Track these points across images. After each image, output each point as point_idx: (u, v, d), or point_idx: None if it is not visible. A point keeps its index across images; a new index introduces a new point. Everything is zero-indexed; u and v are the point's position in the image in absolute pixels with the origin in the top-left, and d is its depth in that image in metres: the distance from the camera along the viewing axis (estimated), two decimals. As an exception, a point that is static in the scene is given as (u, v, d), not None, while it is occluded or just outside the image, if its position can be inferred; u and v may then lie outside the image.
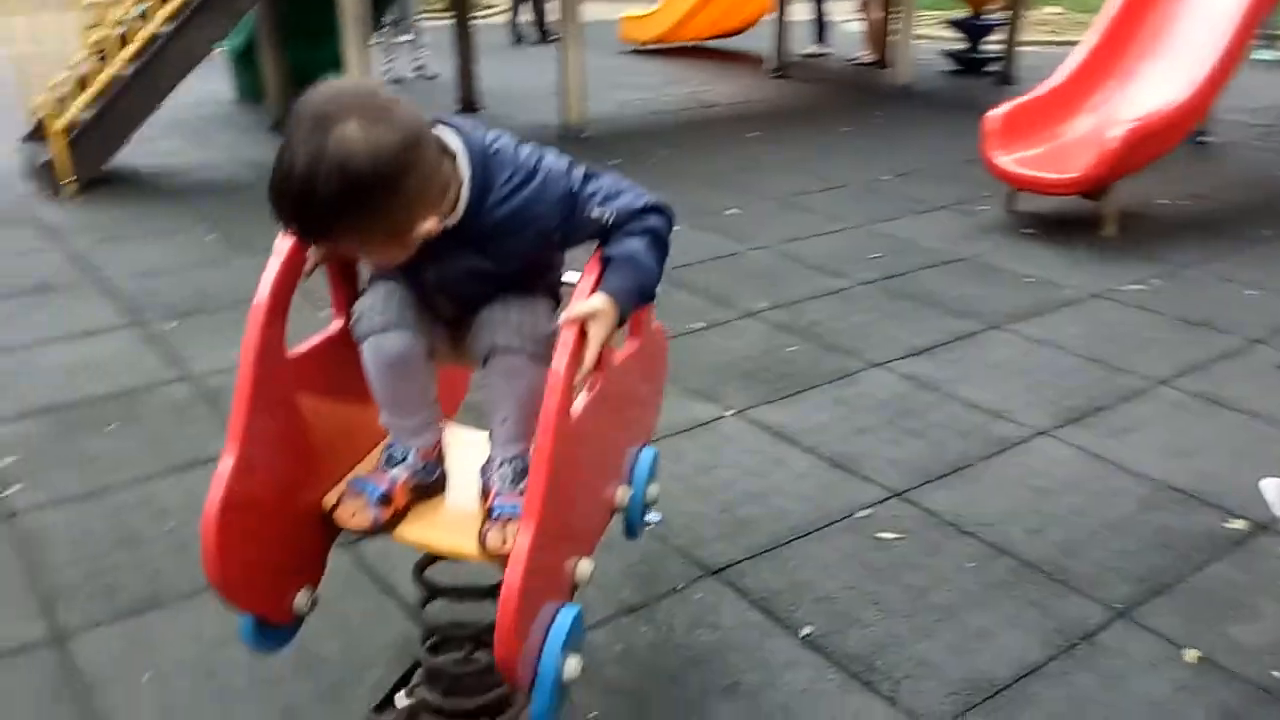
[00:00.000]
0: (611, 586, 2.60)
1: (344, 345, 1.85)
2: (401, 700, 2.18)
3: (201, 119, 8.31)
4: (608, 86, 9.14)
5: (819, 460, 3.20)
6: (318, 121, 1.43)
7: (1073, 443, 3.30)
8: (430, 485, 1.90)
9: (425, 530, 1.84)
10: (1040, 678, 2.30)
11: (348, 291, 1.90)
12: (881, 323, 4.24)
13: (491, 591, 1.70)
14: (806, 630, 2.46)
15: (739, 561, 2.71)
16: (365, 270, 1.89)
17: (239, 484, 1.64)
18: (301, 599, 1.84)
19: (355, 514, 1.78)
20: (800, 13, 11.21)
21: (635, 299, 1.70)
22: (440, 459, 1.92)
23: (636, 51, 11.92)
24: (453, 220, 1.64)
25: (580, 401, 1.73)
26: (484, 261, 1.72)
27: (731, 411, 3.50)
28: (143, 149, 6.61)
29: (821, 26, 11.43)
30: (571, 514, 1.74)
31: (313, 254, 1.76)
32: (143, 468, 3.13)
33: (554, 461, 1.57)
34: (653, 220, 1.75)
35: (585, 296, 1.66)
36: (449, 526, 1.85)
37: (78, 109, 5.92)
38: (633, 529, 2.17)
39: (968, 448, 3.28)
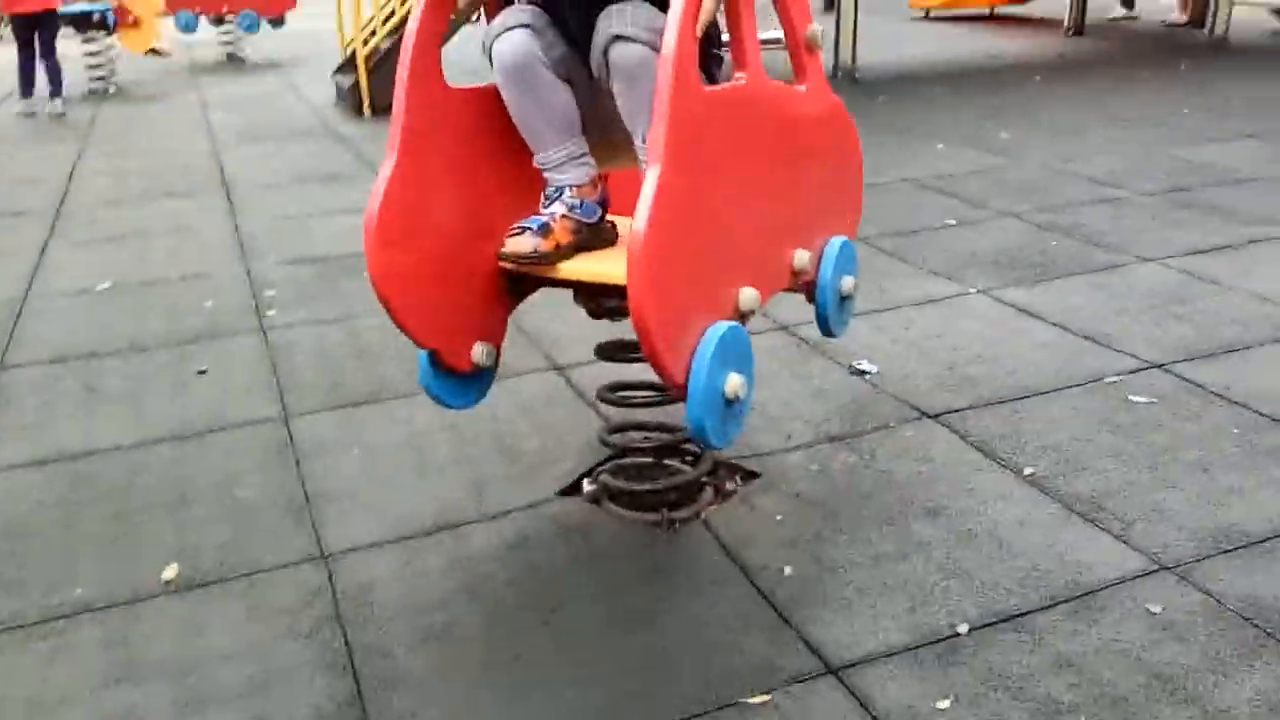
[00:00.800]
0: (815, 419, 2.47)
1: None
2: (587, 486, 2.18)
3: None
4: (887, 45, 8.86)
5: (1066, 333, 2.90)
6: None
7: (1384, 336, 2.82)
8: (595, 228, 1.88)
9: (585, 264, 1.83)
10: (1306, 538, 1.96)
11: None
12: (1160, 227, 3.81)
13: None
14: (1029, 470, 2.22)
15: (960, 409, 2.50)
16: None
17: (400, 189, 1.67)
18: (479, 351, 1.85)
19: (517, 245, 1.79)
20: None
21: None
22: (603, 202, 1.90)
23: (926, 17, 11.49)
24: None
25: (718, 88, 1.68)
26: None
27: (975, 290, 3.25)
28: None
29: (1128, -11, 10.54)
30: (715, 207, 1.64)
31: None
32: (385, 302, 3.32)
33: (676, 113, 1.49)
34: None
35: None
36: (608, 261, 1.82)
37: (378, 39, 6.42)
38: (825, 318, 2.06)
39: (1245, 333, 2.87)
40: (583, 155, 1.86)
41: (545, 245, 1.79)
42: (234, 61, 9.29)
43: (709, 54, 1.76)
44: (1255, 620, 1.73)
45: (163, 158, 5.61)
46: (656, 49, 1.58)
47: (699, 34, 1.54)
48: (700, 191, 1.58)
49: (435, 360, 1.84)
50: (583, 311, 1.99)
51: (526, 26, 1.75)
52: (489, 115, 1.85)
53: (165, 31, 8.67)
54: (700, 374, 1.55)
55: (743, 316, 1.71)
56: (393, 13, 6.50)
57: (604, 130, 1.87)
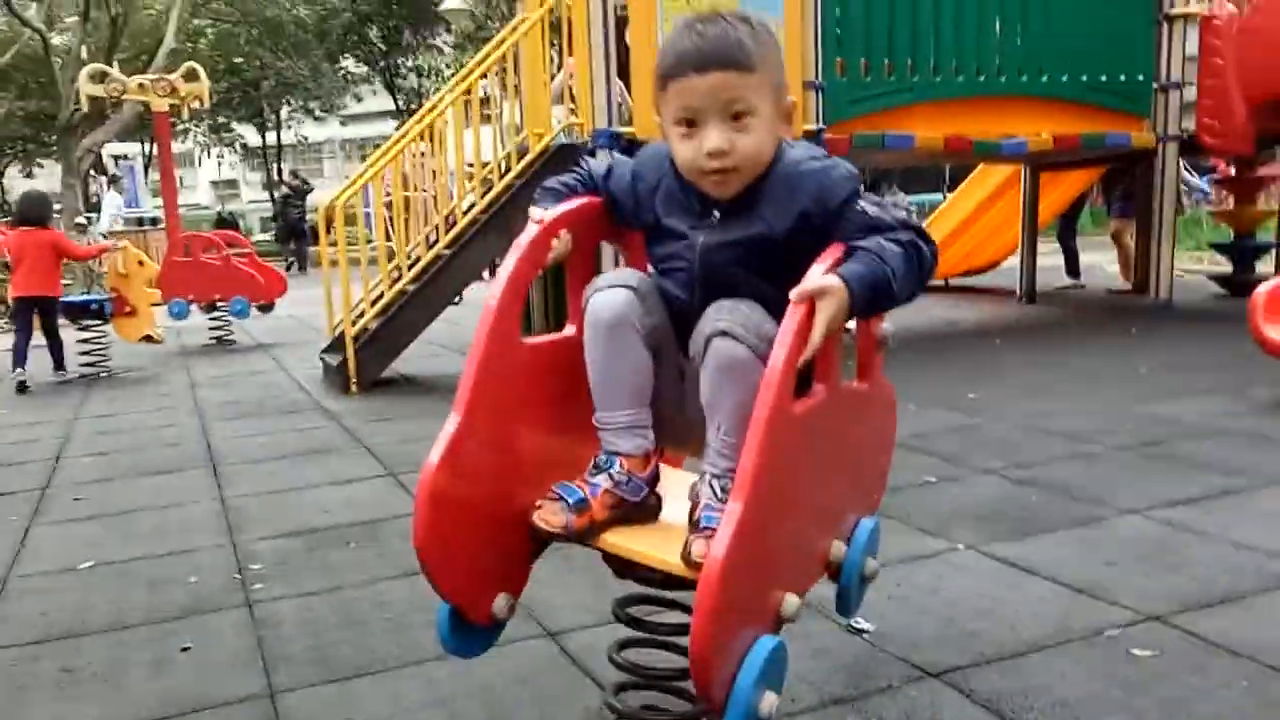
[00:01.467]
0: (818, 679, 2.42)
1: (578, 352, 1.87)
2: (587, 757, 2.10)
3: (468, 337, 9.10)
4: (852, 313, 9.29)
5: (1059, 586, 2.91)
6: (706, 15, 1.73)
7: (1375, 582, 2.84)
8: (637, 506, 1.85)
9: (626, 539, 1.81)
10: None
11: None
12: (1135, 479, 3.90)
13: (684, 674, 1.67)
14: (1040, 730, 2.17)
15: (963, 667, 2.46)
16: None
17: (460, 446, 1.69)
18: (500, 603, 1.83)
19: (549, 516, 1.77)
20: (1049, 251, 11.12)
21: (869, 291, 1.63)
22: (652, 481, 1.88)
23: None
24: (769, 154, 1.77)
25: (801, 403, 1.67)
26: (760, 225, 1.76)
27: (962, 545, 3.27)
28: (420, 359, 7.33)
29: (1072, 261, 11.25)
30: (780, 531, 1.65)
31: (556, 244, 1.85)
32: (373, 572, 3.28)
33: (768, 445, 1.51)
34: (915, 236, 1.72)
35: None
36: (652, 538, 1.80)
37: (366, 320, 6.68)
38: (846, 599, 2.02)
39: (1239, 582, 2.88)
40: (645, 427, 1.86)
41: (579, 522, 1.78)
42: (223, 344, 9.57)
43: None
44: None
45: (150, 435, 5.66)
46: (759, 355, 1.62)
47: (799, 367, 1.58)
48: (772, 518, 1.60)
49: (455, 613, 1.81)
50: (579, 576, 1.98)
51: (631, 289, 1.79)
52: (552, 368, 1.88)
53: (157, 318, 8.98)
54: (740, 701, 1.53)
55: (783, 623, 1.69)
56: (381, 295, 6.80)
57: (675, 409, 1.89)
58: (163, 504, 4.20)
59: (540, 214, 1.86)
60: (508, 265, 1.78)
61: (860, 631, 2.66)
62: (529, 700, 2.39)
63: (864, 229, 1.71)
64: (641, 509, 1.86)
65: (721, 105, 1.70)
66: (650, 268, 1.94)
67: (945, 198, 15.75)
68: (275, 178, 31.92)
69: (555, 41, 7.45)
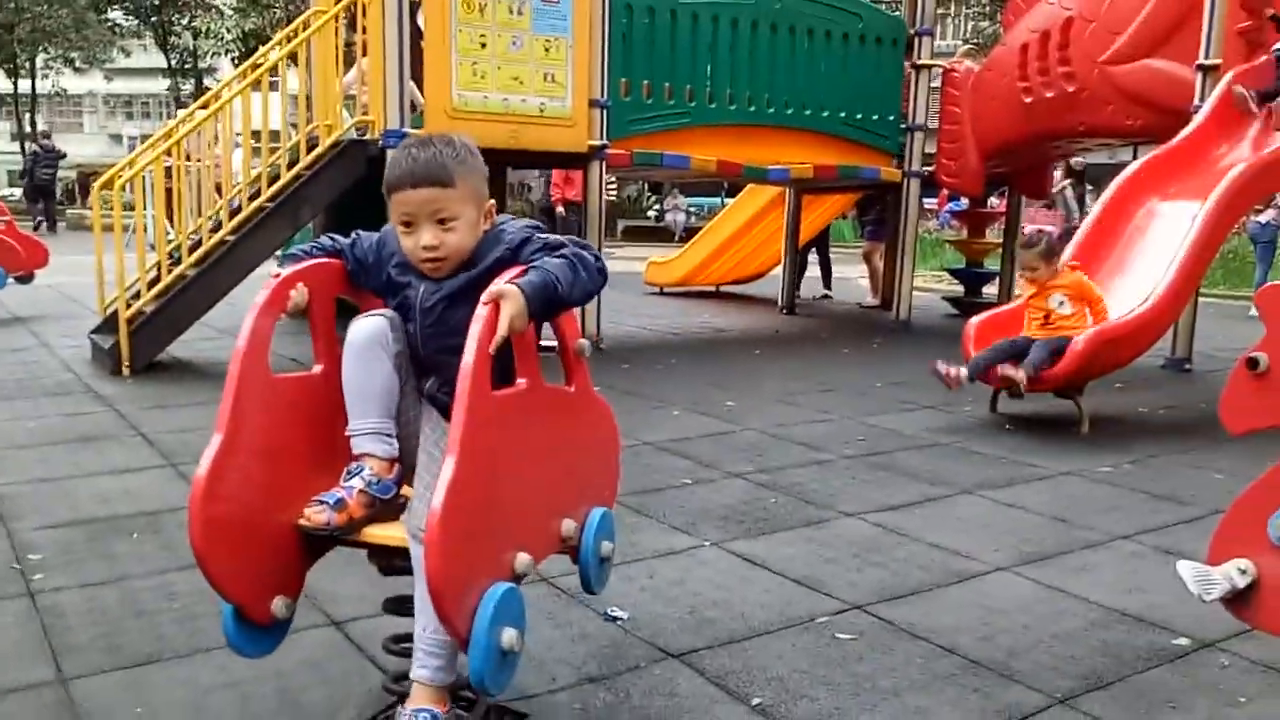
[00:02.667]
0: (575, 661, 2.79)
1: (324, 387, 2.24)
2: (372, 731, 2.38)
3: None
4: (629, 315, 9.83)
5: (785, 580, 3.41)
6: (421, 140, 2.17)
7: (1029, 577, 3.49)
8: (388, 504, 2.21)
9: (379, 529, 2.17)
10: (974, 747, 2.45)
11: (326, 341, 2.30)
12: (858, 486, 4.52)
13: None
14: (756, 701, 2.62)
15: (700, 649, 2.90)
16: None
17: (224, 461, 2.00)
18: (279, 605, 2.14)
19: (314, 515, 2.12)
20: (809, 263, 12.10)
21: (541, 292, 2.05)
22: (399, 481, 2.25)
23: (659, 293, 12.78)
24: (471, 245, 2.19)
25: (504, 391, 2.08)
26: (463, 277, 2.18)
27: (708, 543, 3.74)
28: (197, 342, 7.22)
29: (828, 275, 12.27)
30: (497, 494, 2.02)
31: (294, 294, 2.18)
32: (158, 564, 3.40)
33: (470, 419, 1.89)
34: (577, 249, 2.18)
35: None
36: (396, 527, 2.16)
37: (143, 302, 6.56)
38: (586, 575, 2.44)
39: (928, 577, 3.48)
40: (390, 435, 2.22)
41: (339, 519, 2.12)
42: (-27, 315, 9.01)
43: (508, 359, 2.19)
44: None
45: (-102, 417, 5.40)
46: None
47: (491, 352, 1.97)
48: (485, 477, 1.97)
49: (238, 614, 2.09)
50: (357, 571, 2.27)
51: (385, 319, 2.20)
52: (305, 401, 2.22)
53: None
54: (481, 631, 1.89)
55: (518, 577, 2.08)
56: (158, 278, 6.68)
57: (413, 427, 2.26)
58: (-76, 491, 4.11)
59: (278, 271, 2.23)
60: (248, 322, 2.09)
61: (615, 619, 3.06)
62: (317, 682, 2.63)
63: (539, 251, 2.18)
64: (391, 507, 2.22)
65: (430, 213, 2.14)
66: None
67: (724, 202, 16.66)
68: (28, 129, 29.45)
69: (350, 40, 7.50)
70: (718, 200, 24.22)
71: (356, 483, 2.16)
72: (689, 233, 19.29)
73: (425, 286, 2.21)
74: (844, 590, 3.33)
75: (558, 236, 2.23)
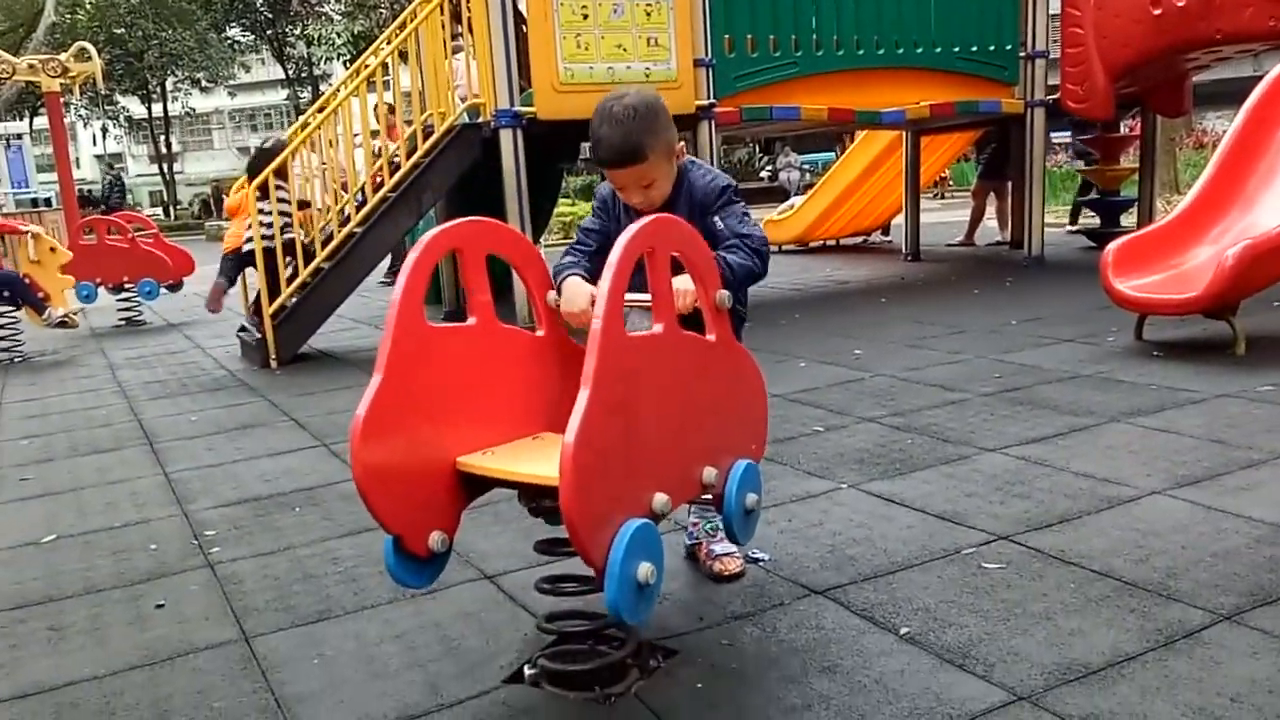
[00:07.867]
0: (720, 602, 2.84)
1: (482, 337, 2.35)
2: (528, 671, 2.48)
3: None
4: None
5: (926, 515, 3.39)
6: (611, 115, 2.53)
7: (1186, 499, 3.38)
8: None
9: (527, 469, 2.25)
10: (1135, 663, 2.39)
11: (479, 297, 2.41)
12: (997, 421, 4.43)
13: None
14: (904, 630, 2.62)
15: (843, 585, 2.91)
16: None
17: (383, 400, 2.09)
18: (436, 538, 2.23)
19: None
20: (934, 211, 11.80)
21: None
22: None
23: (779, 251, 12.67)
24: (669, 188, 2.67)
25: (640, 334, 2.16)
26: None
27: (845, 485, 3.74)
28: (334, 334, 7.55)
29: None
30: (636, 431, 2.07)
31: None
32: (320, 533, 3.60)
33: (605, 352, 1.96)
34: (757, 247, 2.61)
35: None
36: (545, 465, 2.19)
37: (284, 298, 6.88)
38: (730, 526, 2.47)
39: (1075, 505, 3.40)
40: None
41: None
42: (134, 325, 9.60)
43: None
44: (1090, 725, 2.12)
45: (80, 416, 5.83)
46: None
47: (623, 296, 2.05)
48: (620, 414, 2.02)
49: (399, 545, 2.20)
50: (506, 529, 2.35)
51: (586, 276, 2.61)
52: (461, 350, 2.33)
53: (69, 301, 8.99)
54: (616, 562, 1.94)
55: (656, 517, 2.12)
56: (295, 274, 7.00)
57: None
58: (108, 480, 4.43)
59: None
60: (402, 277, 2.18)
61: (756, 560, 3.09)
62: (475, 631, 2.76)
63: (729, 217, 2.66)
64: None
65: (633, 181, 2.61)
66: None
67: (838, 155, 16.35)
68: (164, 150, 31.07)
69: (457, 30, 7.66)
70: (831, 155, 23.74)
71: None
72: (805, 190, 19.05)
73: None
74: (988, 522, 3.29)
75: (745, 208, 2.66)
